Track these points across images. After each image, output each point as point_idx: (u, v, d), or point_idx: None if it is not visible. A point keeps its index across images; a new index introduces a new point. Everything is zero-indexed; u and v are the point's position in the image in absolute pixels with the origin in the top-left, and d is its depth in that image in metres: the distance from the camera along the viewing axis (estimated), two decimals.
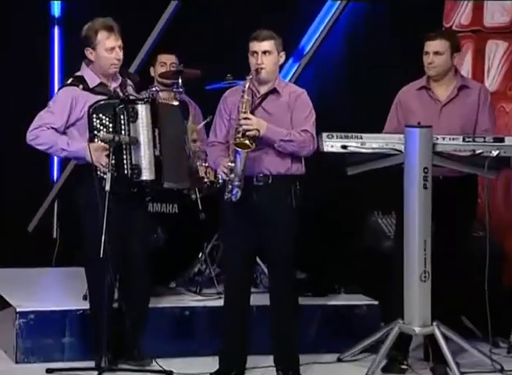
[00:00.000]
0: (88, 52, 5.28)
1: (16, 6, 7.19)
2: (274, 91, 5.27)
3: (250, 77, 5.18)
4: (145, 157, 5.20)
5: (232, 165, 5.10)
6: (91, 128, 5.17)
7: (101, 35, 5.23)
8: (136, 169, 5.19)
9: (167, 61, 6.52)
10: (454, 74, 5.62)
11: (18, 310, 5.58)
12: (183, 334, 5.69)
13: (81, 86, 5.25)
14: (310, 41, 7.07)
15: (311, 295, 5.98)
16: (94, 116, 5.17)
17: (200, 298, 5.96)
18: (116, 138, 5.14)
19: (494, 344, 5.69)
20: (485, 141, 5.40)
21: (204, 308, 5.80)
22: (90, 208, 5.19)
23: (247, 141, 5.06)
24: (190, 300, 5.92)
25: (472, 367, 5.50)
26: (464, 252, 5.63)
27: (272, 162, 5.20)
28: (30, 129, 5.25)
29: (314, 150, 5.29)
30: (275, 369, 5.35)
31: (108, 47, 5.23)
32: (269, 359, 5.38)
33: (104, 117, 5.17)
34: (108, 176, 5.09)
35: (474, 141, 5.41)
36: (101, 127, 5.17)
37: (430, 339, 5.48)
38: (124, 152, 5.19)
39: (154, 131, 5.22)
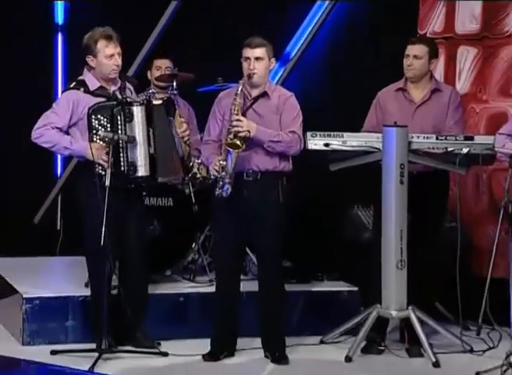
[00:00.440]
0: (90, 60, 5.28)
1: (21, 14, 7.19)
2: (264, 94, 5.27)
3: (243, 81, 5.18)
4: (141, 155, 5.21)
5: (224, 163, 5.10)
6: (90, 128, 5.17)
7: (101, 44, 5.23)
8: (132, 166, 5.19)
9: (162, 65, 6.51)
10: (429, 78, 5.65)
11: (24, 296, 5.58)
12: (177, 318, 5.69)
13: (82, 89, 5.25)
14: (295, 47, 7.07)
15: (296, 282, 5.98)
16: (93, 116, 5.17)
17: (193, 284, 5.96)
18: (115, 137, 5.14)
19: (464, 327, 5.69)
20: (456, 140, 5.43)
21: (197, 294, 5.81)
22: (90, 203, 5.19)
23: (238, 142, 5.06)
24: (184, 287, 5.93)
25: (444, 348, 5.51)
26: (437, 242, 5.65)
27: (261, 159, 5.20)
28: (35, 128, 5.25)
29: (301, 149, 5.30)
30: (262, 350, 5.36)
31: (107, 54, 5.23)
32: (257, 341, 5.39)
33: (102, 118, 5.17)
34: (107, 173, 5.09)
35: (446, 139, 5.44)
36: (100, 127, 5.17)
37: (406, 322, 5.50)
38: (121, 150, 5.19)
39: (148, 131, 5.23)
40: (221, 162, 5.11)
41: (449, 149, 5.41)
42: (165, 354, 5.30)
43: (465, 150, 5.39)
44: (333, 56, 6.96)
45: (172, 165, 5.32)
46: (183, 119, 5.69)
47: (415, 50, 5.56)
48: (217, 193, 5.14)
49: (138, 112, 5.21)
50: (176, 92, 6.17)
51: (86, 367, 5.02)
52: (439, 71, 6.25)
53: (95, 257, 5.23)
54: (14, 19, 7.17)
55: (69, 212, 7.25)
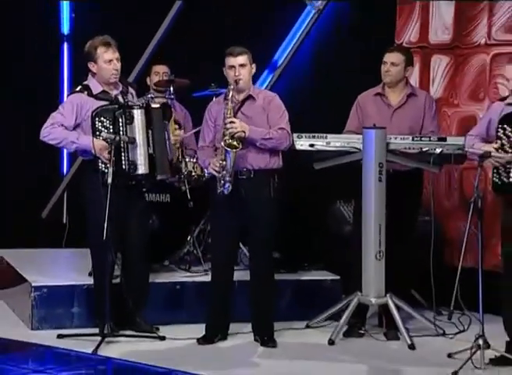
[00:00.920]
0: (91, 66, 5.28)
1: (29, 25, 7.17)
2: (250, 97, 5.28)
3: (232, 87, 5.18)
4: (141, 154, 5.21)
5: (224, 163, 5.11)
6: (94, 129, 5.17)
7: (100, 50, 5.24)
8: (133, 164, 5.19)
9: (160, 70, 6.51)
10: (405, 84, 5.67)
11: (33, 285, 5.58)
12: (174, 305, 5.69)
13: (86, 92, 5.25)
14: (282, 56, 7.07)
15: (284, 272, 5.98)
16: (97, 118, 5.17)
17: (189, 274, 5.96)
18: (117, 138, 5.14)
19: (437, 313, 5.72)
20: (430, 140, 5.45)
21: (192, 282, 5.81)
22: (93, 199, 5.19)
23: (235, 142, 5.08)
24: (181, 276, 5.93)
25: (419, 332, 5.53)
26: (413, 235, 5.66)
27: (253, 158, 5.21)
28: (44, 127, 5.25)
29: (291, 144, 5.31)
30: (252, 334, 5.37)
31: (106, 59, 5.23)
32: (248, 326, 5.40)
33: (104, 120, 5.17)
34: (109, 171, 5.09)
35: (421, 140, 5.45)
36: (103, 129, 5.17)
37: (384, 308, 5.52)
38: (122, 150, 5.19)
39: (147, 132, 5.23)
40: (220, 162, 5.12)
41: (424, 149, 5.42)
42: (163, 338, 5.31)
43: (438, 150, 5.41)
44: (317, 64, 6.97)
45: (166, 163, 5.31)
46: (176, 126, 5.68)
47: (392, 57, 5.58)
48: (219, 191, 5.14)
49: (138, 114, 5.21)
50: (172, 97, 6.16)
51: (90, 350, 5.02)
52: (414, 77, 6.27)
53: (98, 249, 5.23)
54: (23, 30, 7.15)
55: (75, 207, 7.25)
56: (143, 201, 5.47)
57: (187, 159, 6.07)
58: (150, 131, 5.22)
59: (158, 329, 5.38)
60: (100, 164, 5.18)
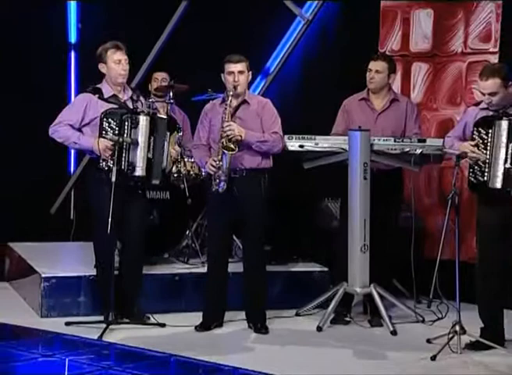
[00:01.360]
0: (101, 67, 5.27)
1: (38, 34, 7.14)
2: (245, 102, 5.27)
3: (231, 93, 5.18)
4: (140, 157, 5.19)
5: (220, 163, 5.11)
6: (101, 129, 5.16)
7: (110, 51, 5.24)
8: (131, 165, 5.17)
9: (159, 77, 6.51)
10: (388, 90, 5.68)
11: (42, 276, 5.57)
12: (173, 295, 5.68)
13: (97, 95, 5.23)
14: (274, 63, 7.07)
15: (275, 264, 5.97)
16: (105, 119, 5.15)
17: (187, 266, 5.95)
18: (121, 139, 5.13)
19: (417, 301, 5.75)
20: (411, 142, 5.46)
21: (190, 274, 5.80)
22: (97, 195, 5.18)
23: (232, 145, 5.08)
24: (179, 268, 5.92)
25: (401, 319, 5.54)
26: (395, 230, 5.66)
27: (246, 159, 5.21)
28: (52, 125, 5.25)
29: (283, 147, 5.31)
30: (246, 321, 5.37)
31: (115, 60, 5.23)
32: (242, 314, 5.41)
33: (112, 121, 5.16)
34: (113, 170, 5.08)
35: (402, 141, 5.46)
36: (109, 129, 5.16)
37: (368, 297, 5.53)
38: (124, 152, 5.17)
39: (149, 138, 5.21)
40: (217, 162, 5.11)
41: (405, 150, 5.43)
42: (163, 325, 5.30)
43: (419, 151, 5.42)
44: (306, 71, 6.97)
45: (160, 171, 5.26)
46: (177, 147, 5.67)
47: (377, 65, 5.59)
48: (214, 189, 5.14)
49: (143, 121, 5.19)
50: (172, 101, 6.15)
51: (95, 336, 5.02)
52: (396, 83, 6.27)
53: (101, 243, 5.22)
54: (32, 39, 7.13)
55: (81, 204, 7.25)
56: (143, 198, 5.44)
57: (186, 159, 6.06)
58: (152, 138, 5.21)
59: (149, 318, 5.34)
60: (102, 162, 5.16)
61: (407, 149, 5.42)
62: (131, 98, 5.31)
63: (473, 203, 5.31)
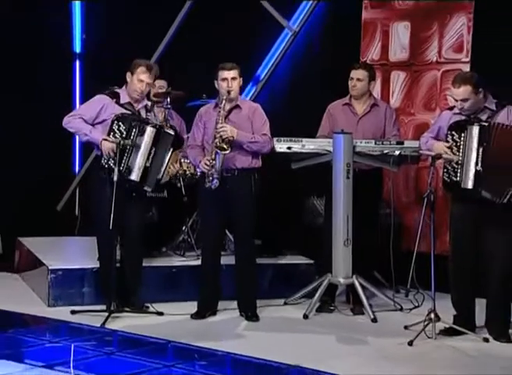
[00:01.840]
0: (128, 75, 5.26)
1: (45, 44, 7.13)
2: (237, 107, 5.27)
3: (224, 97, 5.18)
4: (138, 163, 5.17)
5: (213, 162, 5.10)
6: (110, 129, 5.15)
7: (140, 69, 5.22)
8: (128, 169, 5.16)
9: (157, 84, 6.46)
10: (369, 96, 5.68)
11: (50, 268, 5.56)
12: (171, 286, 5.68)
13: (114, 100, 5.23)
14: (264, 71, 7.06)
15: (265, 256, 5.96)
16: (116, 122, 5.15)
17: (183, 259, 5.94)
18: (122, 141, 5.12)
19: (396, 291, 5.73)
20: (390, 144, 5.46)
21: (186, 266, 5.79)
22: (100, 194, 5.17)
23: (224, 145, 5.07)
24: (176, 261, 5.91)
25: (380, 307, 5.54)
26: (375, 225, 5.67)
27: (238, 159, 5.20)
28: (67, 116, 5.24)
29: (272, 148, 5.31)
30: (238, 310, 5.37)
31: (139, 78, 5.22)
32: (234, 303, 5.40)
33: (122, 125, 5.15)
34: (115, 170, 5.07)
35: (382, 143, 5.47)
36: (117, 132, 5.15)
37: (351, 287, 5.53)
38: (126, 154, 5.17)
39: (151, 148, 5.19)
40: (211, 161, 5.11)
41: (385, 151, 5.44)
42: (161, 313, 5.29)
43: (397, 152, 5.42)
44: (293, 78, 6.97)
45: (154, 180, 5.25)
46: (177, 165, 5.63)
47: (358, 74, 5.59)
48: (207, 185, 5.13)
49: (149, 131, 5.18)
50: (169, 106, 6.13)
51: (98, 324, 5.01)
52: (376, 90, 6.28)
53: (104, 238, 5.21)
54: (39, 49, 7.11)
55: (85, 201, 7.24)
56: (141, 197, 5.41)
57: (182, 160, 6.05)
58: (154, 148, 5.19)
59: (148, 307, 5.33)
60: (104, 160, 5.15)
61: (387, 151, 5.42)
62: (145, 107, 5.31)
63: (447, 200, 5.32)
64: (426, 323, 4.87)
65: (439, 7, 6.22)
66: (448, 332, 4.96)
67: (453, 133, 4.90)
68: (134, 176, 5.17)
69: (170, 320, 5.23)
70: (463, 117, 4.94)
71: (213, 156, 5.10)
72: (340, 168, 5.36)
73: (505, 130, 4.80)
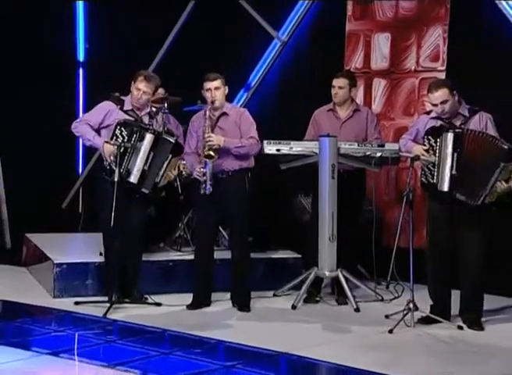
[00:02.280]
0: (132, 84, 5.26)
1: (50, 53, 7.12)
2: (224, 114, 5.27)
3: (209, 107, 5.19)
4: (137, 166, 5.18)
5: (204, 170, 5.11)
6: (113, 134, 5.16)
7: (139, 79, 5.23)
8: (128, 172, 5.16)
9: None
10: (351, 101, 5.69)
11: (55, 262, 5.56)
12: (168, 278, 5.67)
13: (119, 106, 5.24)
14: (255, 78, 7.06)
15: (256, 251, 5.92)
16: (118, 127, 5.15)
17: (179, 253, 5.93)
18: (122, 144, 5.11)
19: (377, 283, 5.75)
20: (372, 146, 5.47)
21: (182, 260, 5.78)
22: (102, 193, 5.18)
23: (212, 153, 5.08)
24: (173, 255, 5.90)
25: (363, 298, 5.55)
26: (358, 221, 5.67)
27: (229, 163, 5.21)
28: (75, 121, 5.27)
29: (260, 149, 5.30)
30: (231, 301, 5.37)
31: (137, 87, 5.23)
32: (227, 295, 5.40)
33: (124, 130, 5.15)
34: (116, 171, 5.07)
35: (364, 146, 5.47)
36: (119, 136, 5.15)
37: (335, 280, 5.54)
38: (126, 158, 5.17)
39: (149, 153, 5.19)
40: (201, 169, 5.12)
41: (367, 153, 5.45)
42: (159, 304, 5.29)
43: (379, 154, 5.44)
44: (282, 85, 6.97)
45: (151, 183, 5.24)
46: (175, 171, 5.62)
47: (339, 82, 5.60)
48: (202, 191, 5.15)
49: (148, 137, 5.18)
50: (167, 111, 6.12)
51: (100, 314, 5.01)
52: (359, 96, 6.29)
53: (106, 235, 5.22)
54: (44, 58, 7.10)
55: (88, 199, 7.23)
56: (141, 196, 5.41)
57: (179, 161, 6.04)
58: (152, 153, 5.19)
59: (146, 298, 5.33)
60: (104, 162, 5.15)
61: (369, 152, 5.44)
62: (149, 113, 5.30)
63: (424, 199, 5.33)
64: (405, 312, 4.88)
65: (416, 19, 6.25)
66: (425, 320, 4.98)
67: (430, 138, 4.92)
68: (133, 178, 5.18)
69: (167, 311, 5.23)
70: (439, 122, 4.96)
71: (203, 165, 5.12)
72: (326, 168, 5.37)
73: (477, 136, 4.82)
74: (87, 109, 5.96)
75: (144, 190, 5.23)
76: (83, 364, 4.15)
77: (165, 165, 5.23)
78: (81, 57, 7.61)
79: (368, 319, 5.14)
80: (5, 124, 7.02)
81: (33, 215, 6.90)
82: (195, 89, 6.00)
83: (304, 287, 5.45)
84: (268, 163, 5.61)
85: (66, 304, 5.27)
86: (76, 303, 5.27)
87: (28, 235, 6.57)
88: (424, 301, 5.02)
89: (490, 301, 5.17)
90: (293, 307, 5.37)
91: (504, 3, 5.79)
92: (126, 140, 5.13)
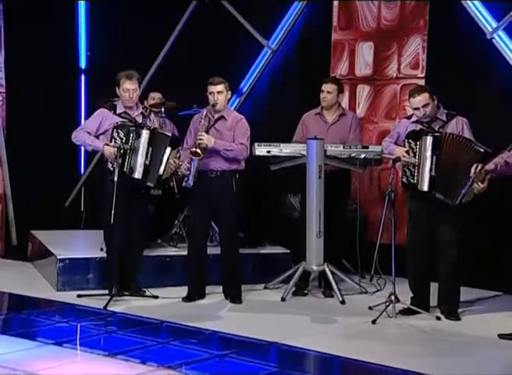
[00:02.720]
0: (117, 89, 5.26)
1: (52, 60, 7.09)
2: (222, 117, 5.27)
3: (209, 108, 5.17)
4: (139, 162, 5.17)
5: (189, 165, 5.11)
6: (111, 137, 5.16)
7: (122, 81, 5.22)
8: (131, 169, 5.16)
9: (155, 96, 6.45)
10: (338, 106, 5.69)
11: (58, 257, 5.54)
12: (164, 273, 5.66)
13: (112, 111, 5.24)
14: (246, 84, 7.06)
15: (248, 247, 5.94)
16: (115, 130, 5.15)
17: (176, 249, 5.92)
18: (121, 146, 5.11)
19: (362, 276, 5.77)
20: (356, 148, 5.48)
21: (178, 256, 5.76)
22: (104, 192, 5.17)
23: (198, 151, 5.07)
24: (170, 251, 5.89)
25: (348, 291, 5.55)
26: (344, 219, 5.68)
27: (218, 163, 5.21)
28: (74, 131, 5.27)
29: (248, 155, 5.30)
30: (223, 294, 5.37)
31: (124, 88, 5.21)
32: (220, 288, 5.40)
33: (120, 132, 5.15)
34: (116, 171, 5.07)
35: (349, 148, 5.48)
36: (117, 138, 5.14)
37: (322, 274, 5.54)
38: (128, 157, 5.16)
39: (148, 148, 5.18)
40: (187, 164, 5.12)
41: (352, 155, 5.46)
42: (156, 297, 5.29)
43: (363, 155, 5.44)
44: (272, 91, 6.97)
45: (155, 176, 5.22)
46: (177, 161, 5.61)
47: (328, 87, 5.60)
48: (183, 185, 5.17)
49: (145, 134, 5.17)
50: (164, 115, 6.11)
51: (101, 306, 5.01)
52: (345, 101, 6.29)
53: (107, 231, 5.21)
54: (47, 64, 7.07)
55: (90, 198, 7.22)
56: (141, 196, 5.40)
57: (178, 154, 6.01)
58: (150, 148, 5.18)
59: (145, 291, 5.33)
60: (108, 163, 5.15)
61: (354, 154, 5.44)
62: (142, 113, 5.29)
63: (405, 198, 5.35)
64: (387, 304, 4.90)
65: (398, 30, 6.27)
66: (406, 312, 4.99)
67: (410, 140, 4.94)
68: (137, 174, 5.16)
69: (164, 303, 5.23)
70: (419, 126, 4.97)
71: (189, 160, 5.11)
72: (313, 169, 5.37)
73: (454, 139, 4.84)
74: (88, 115, 5.93)
75: (149, 183, 5.21)
76: (85, 353, 4.13)
77: (165, 157, 5.21)
78: (83, 64, 7.58)
79: (353, 310, 5.15)
80: (11, 128, 6.99)
81: (38, 213, 6.88)
82: (190, 94, 6.02)
83: (293, 281, 5.46)
84: (260, 164, 5.61)
85: (69, 297, 5.26)
86: (79, 296, 5.26)
87: (33, 232, 6.55)
88: (405, 293, 5.04)
89: (466, 294, 5.20)
90: (283, 299, 5.37)
91: (479, 14, 5.83)
92: (124, 140, 5.12)
